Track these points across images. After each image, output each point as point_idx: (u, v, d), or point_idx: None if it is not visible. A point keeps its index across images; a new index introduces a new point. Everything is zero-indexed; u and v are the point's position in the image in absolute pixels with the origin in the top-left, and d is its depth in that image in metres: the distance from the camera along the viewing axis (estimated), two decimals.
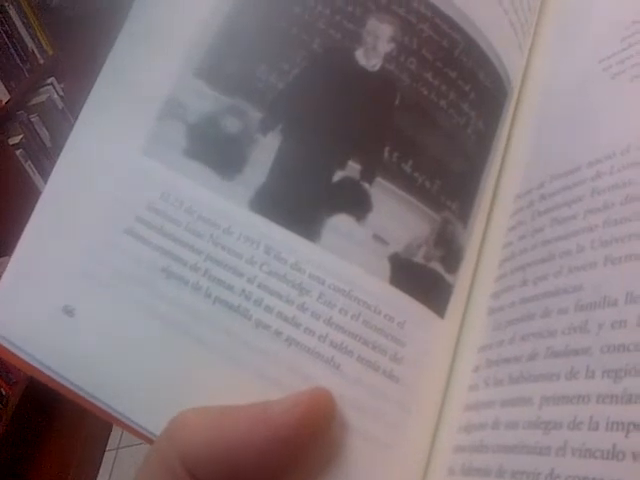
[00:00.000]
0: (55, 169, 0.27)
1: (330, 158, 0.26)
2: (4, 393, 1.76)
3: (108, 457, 1.88)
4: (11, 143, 2.02)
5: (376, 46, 0.27)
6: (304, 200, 0.26)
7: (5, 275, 0.26)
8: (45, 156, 2.10)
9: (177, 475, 0.21)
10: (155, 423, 0.23)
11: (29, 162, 2.05)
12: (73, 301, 0.25)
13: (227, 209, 0.25)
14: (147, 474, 0.22)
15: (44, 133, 2.14)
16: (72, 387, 0.24)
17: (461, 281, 0.28)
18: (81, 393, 0.24)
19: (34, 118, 2.11)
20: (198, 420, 0.22)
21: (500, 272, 0.28)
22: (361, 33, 0.27)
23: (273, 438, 0.21)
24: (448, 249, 0.27)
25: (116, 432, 1.91)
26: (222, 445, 0.21)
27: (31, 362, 0.25)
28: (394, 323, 0.25)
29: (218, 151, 0.26)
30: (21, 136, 2.06)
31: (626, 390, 0.20)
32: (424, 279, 0.27)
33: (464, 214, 0.28)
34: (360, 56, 0.27)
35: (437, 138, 0.28)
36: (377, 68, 0.27)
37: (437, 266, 0.27)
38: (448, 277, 0.27)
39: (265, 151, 0.26)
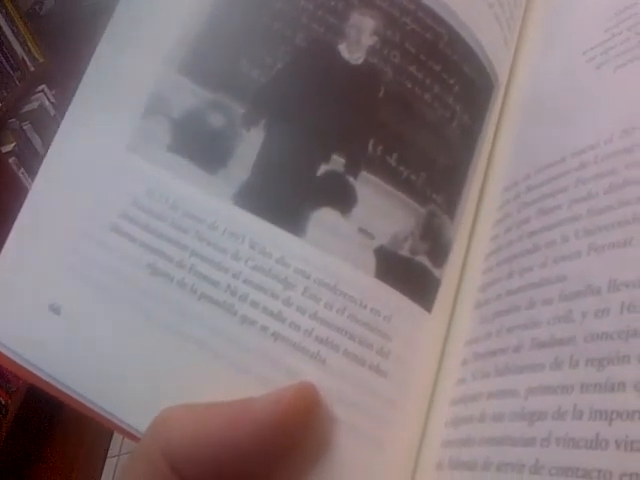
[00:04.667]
0: (42, 168, 0.27)
1: (314, 152, 0.26)
2: (3, 402, 1.76)
3: (110, 464, 1.87)
4: (4, 151, 2.02)
5: (359, 40, 0.27)
6: (288, 194, 0.26)
7: None
8: (38, 163, 2.09)
9: (161, 471, 0.21)
10: (140, 420, 0.23)
11: (22, 169, 2.04)
12: (59, 299, 0.25)
13: (212, 204, 0.25)
14: (131, 471, 0.22)
15: (37, 140, 2.13)
16: (59, 385, 0.24)
17: (448, 275, 0.28)
18: (68, 391, 0.24)
19: (26, 126, 2.11)
20: (182, 417, 0.22)
21: (487, 265, 0.28)
22: (344, 27, 0.27)
23: (256, 434, 0.21)
24: (434, 243, 0.27)
25: (117, 439, 1.90)
26: (206, 441, 0.21)
27: (18, 361, 0.25)
28: (380, 317, 0.25)
29: (202, 146, 0.26)
30: (14, 144, 2.06)
31: (609, 378, 0.20)
32: (410, 273, 0.26)
33: (450, 207, 0.28)
34: (343, 50, 0.27)
35: (422, 131, 0.28)
36: (360, 61, 0.27)
37: (424, 260, 0.27)
38: (435, 271, 0.27)
39: (249, 146, 0.26)
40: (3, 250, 0.26)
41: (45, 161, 0.27)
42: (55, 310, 0.25)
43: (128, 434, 0.24)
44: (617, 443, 0.18)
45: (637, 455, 0.18)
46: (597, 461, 0.19)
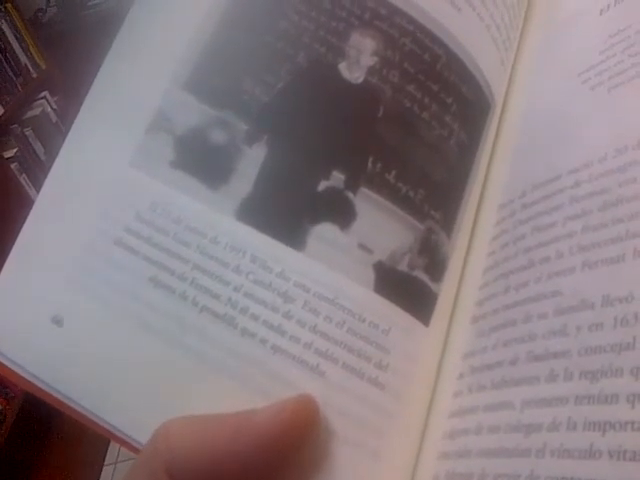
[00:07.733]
0: (46, 182, 0.27)
1: (315, 168, 0.27)
2: (1, 408, 1.75)
3: (107, 472, 1.87)
4: (6, 157, 2.03)
5: (359, 60, 0.28)
6: (289, 209, 0.26)
7: None
8: (40, 169, 2.10)
9: None
10: (141, 432, 0.23)
11: (24, 175, 2.05)
12: (62, 311, 0.25)
13: (214, 219, 0.26)
14: None
15: (38, 146, 2.14)
16: (60, 397, 0.24)
17: (446, 289, 0.28)
18: (69, 403, 0.24)
19: (28, 132, 2.12)
20: (183, 429, 0.22)
21: (484, 280, 0.28)
22: (344, 47, 0.28)
23: (257, 446, 0.21)
24: (432, 258, 0.28)
25: (114, 447, 1.90)
26: (207, 454, 0.21)
27: (20, 372, 0.25)
28: (378, 330, 0.25)
29: (205, 162, 0.26)
30: (15, 149, 2.06)
31: (602, 390, 0.20)
32: (408, 287, 0.27)
33: (448, 224, 0.28)
34: (344, 69, 0.28)
35: (420, 149, 0.28)
36: (360, 81, 0.28)
37: (421, 275, 0.27)
38: (432, 286, 0.28)
39: (251, 162, 0.26)
40: (7, 261, 0.26)
41: (50, 174, 0.27)
42: (57, 322, 0.25)
43: (128, 446, 0.24)
44: (610, 453, 0.19)
45: (630, 465, 0.18)
46: (591, 471, 0.19)
